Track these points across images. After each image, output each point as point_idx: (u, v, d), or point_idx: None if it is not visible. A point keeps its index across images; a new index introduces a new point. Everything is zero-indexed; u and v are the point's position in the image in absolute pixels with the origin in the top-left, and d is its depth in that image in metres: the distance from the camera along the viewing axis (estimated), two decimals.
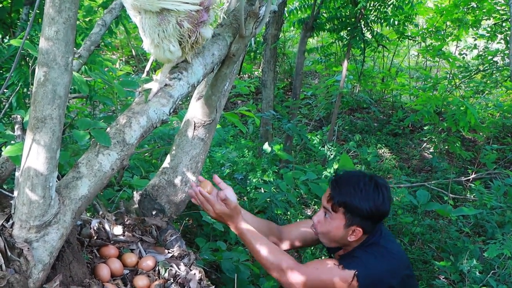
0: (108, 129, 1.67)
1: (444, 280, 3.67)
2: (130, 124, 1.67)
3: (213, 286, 1.61)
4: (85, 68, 2.56)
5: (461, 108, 4.99)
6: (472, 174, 5.64)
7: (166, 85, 1.71)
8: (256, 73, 9.33)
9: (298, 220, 3.99)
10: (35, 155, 1.36)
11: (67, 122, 2.32)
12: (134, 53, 8.69)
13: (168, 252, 1.90)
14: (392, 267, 1.90)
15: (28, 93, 2.33)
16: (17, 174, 1.60)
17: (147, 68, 2.08)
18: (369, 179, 1.90)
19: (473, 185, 5.37)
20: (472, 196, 5.15)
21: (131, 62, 8.83)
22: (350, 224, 1.89)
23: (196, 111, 2.08)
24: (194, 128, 2.07)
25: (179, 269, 1.73)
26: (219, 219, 1.94)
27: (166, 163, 2.12)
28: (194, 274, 1.67)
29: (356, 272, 1.82)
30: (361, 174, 1.95)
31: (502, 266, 3.73)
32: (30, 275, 1.45)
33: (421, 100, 5.46)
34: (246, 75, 9.35)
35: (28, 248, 1.42)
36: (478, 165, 6.15)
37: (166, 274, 1.72)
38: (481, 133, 6.97)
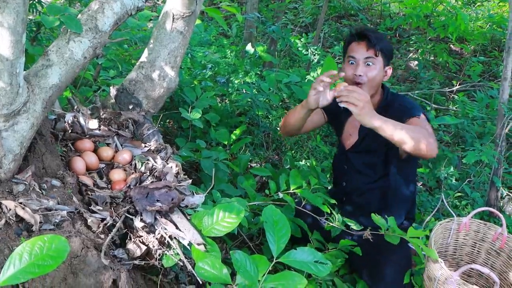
0: (80, 15, 1.58)
1: (421, 186, 3.76)
2: (102, 10, 1.58)
3: (190, 180, 1.58)
4: None
5: (453, 18, 4.87)
6: (456, 85, 5.62)
7: None
8: None
9: (279, 123, 3.98)
10: None
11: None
12: None
13: (145, 146, 1.86)
14: None
15: None
16: None
17: None
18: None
19: (456, 96, 5.36)
20: (454, 108, 5.16)
21: None
22: (386, 65, 2.27)
23: (175, 2, 1.95)
24: (173, 20, 1.96)
25: (155, 162, 1.70)
26: (364, 112, 1.91)
27: (143, 57, 2.03)
28: (171, 167, 1.64)
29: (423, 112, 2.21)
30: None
31: (478, 175, 3.81)
32: (0, 165, 1.42)
33: (411, 2, 5.30)
34: None
35: None
36: (463, 76, 6.12)
37: (143, 168, 1.69)
38: (468, 45, 6.88)
